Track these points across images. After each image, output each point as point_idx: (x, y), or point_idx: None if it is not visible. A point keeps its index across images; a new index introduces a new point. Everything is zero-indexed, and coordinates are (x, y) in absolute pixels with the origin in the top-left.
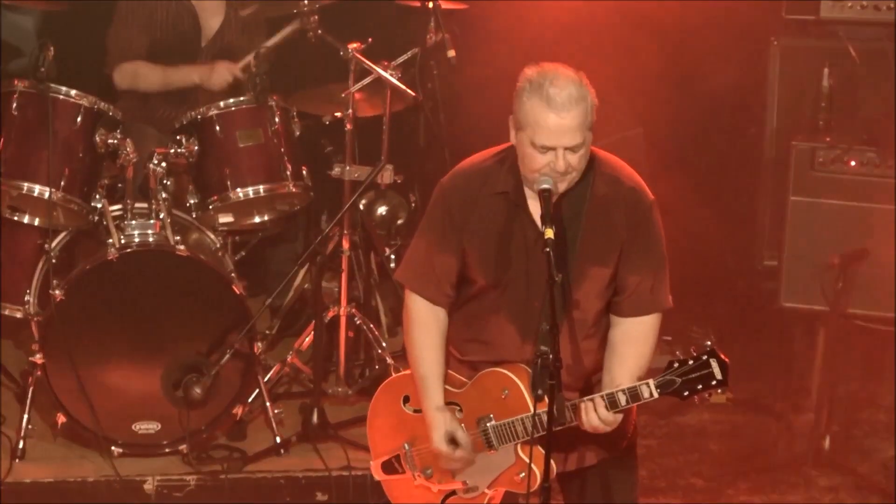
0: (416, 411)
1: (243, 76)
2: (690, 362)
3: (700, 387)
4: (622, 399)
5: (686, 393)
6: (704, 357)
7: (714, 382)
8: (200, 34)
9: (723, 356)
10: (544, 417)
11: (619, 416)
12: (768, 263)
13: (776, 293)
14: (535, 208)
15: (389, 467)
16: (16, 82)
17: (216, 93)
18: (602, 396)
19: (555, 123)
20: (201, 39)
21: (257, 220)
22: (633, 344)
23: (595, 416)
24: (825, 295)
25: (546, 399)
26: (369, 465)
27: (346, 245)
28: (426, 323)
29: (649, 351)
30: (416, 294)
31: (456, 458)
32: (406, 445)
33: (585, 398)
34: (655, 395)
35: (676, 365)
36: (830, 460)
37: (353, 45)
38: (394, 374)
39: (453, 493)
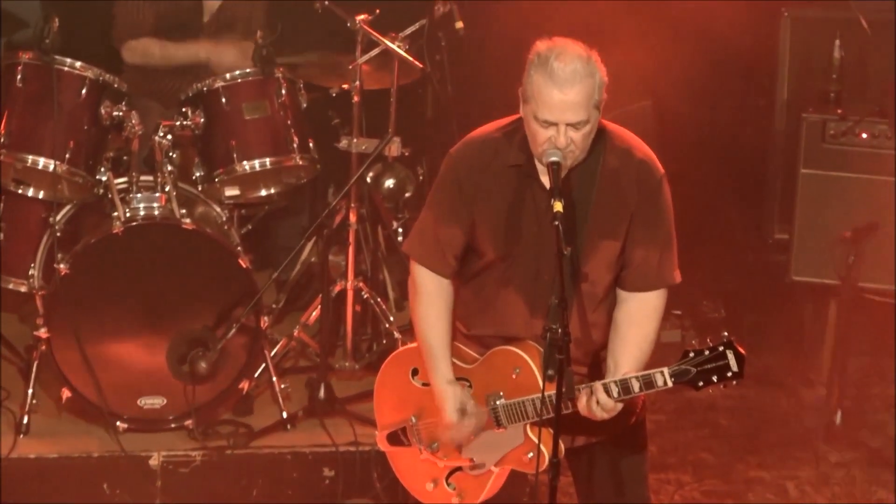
0: (424, 385)
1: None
2: (707, 352)
3: (715, 378)
4: (636, 386)
5: (700, 383)
6: (721, 348)
7: (729, 374)
8: (202, 5)
9: (740, 348)
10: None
11: (620, 406)
12: (779, 237)
13: (787, 267)
14: (547, 181)
15: (395, 439)
16: (20, 54)
17: (223, 68)
18: (615, 382)
19: (558, 99)
20: (204, 11)
21: (263, 192)
22: (637, 326)
23: (593, 403)
24: (836, 269)
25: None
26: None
27: (353, 218)
28: (432, 294)
29: (653, 333)
30: (422, 266)
31: (466, 430)
32: (413, 418)
33: (584, 385)
34: (670, 383)
35: (692, 354)
36: (842, 435)
37: (360, 17)
38: (401, 347)
39: (459, 468)
